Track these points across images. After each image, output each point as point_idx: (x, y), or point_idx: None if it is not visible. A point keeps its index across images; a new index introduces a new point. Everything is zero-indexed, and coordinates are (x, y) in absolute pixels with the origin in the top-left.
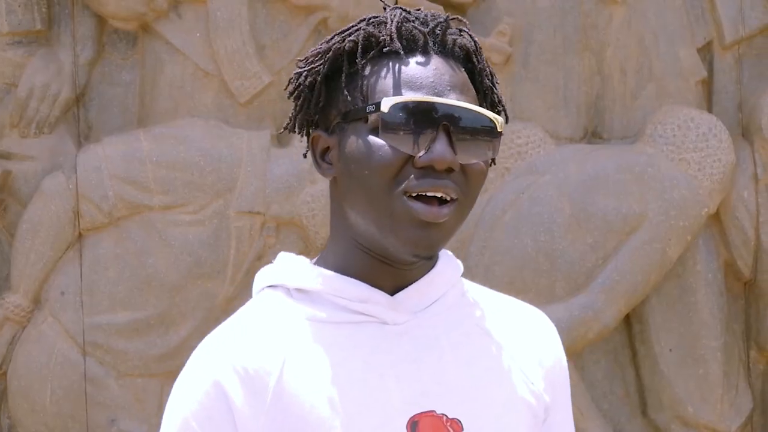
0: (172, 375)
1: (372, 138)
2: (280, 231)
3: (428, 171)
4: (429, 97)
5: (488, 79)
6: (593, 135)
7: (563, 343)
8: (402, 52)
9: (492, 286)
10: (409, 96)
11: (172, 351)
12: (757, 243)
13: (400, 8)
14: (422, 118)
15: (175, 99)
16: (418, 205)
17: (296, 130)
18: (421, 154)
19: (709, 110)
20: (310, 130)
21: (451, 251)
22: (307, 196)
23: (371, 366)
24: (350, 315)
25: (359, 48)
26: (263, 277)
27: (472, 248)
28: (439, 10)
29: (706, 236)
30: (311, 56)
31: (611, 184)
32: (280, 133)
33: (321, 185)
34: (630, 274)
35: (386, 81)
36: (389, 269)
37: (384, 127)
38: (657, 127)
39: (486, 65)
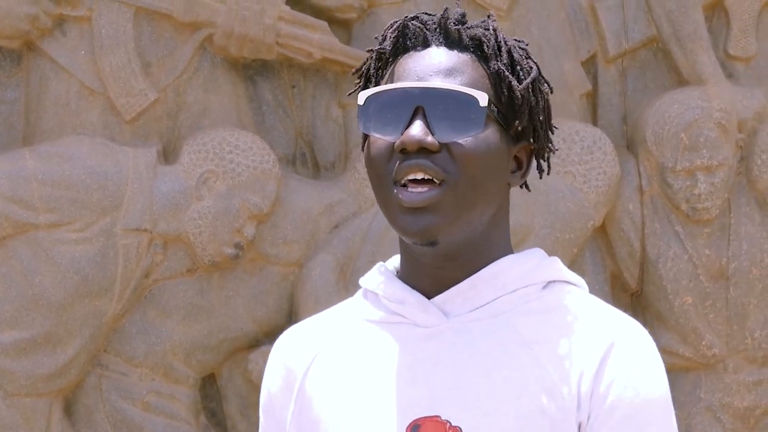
0: (61, 393)
1: (365, 135)
2: (167, 248)
3: (408, 155)
4: (398, 84)
5: (499, 63)
6: None
7: None
8: (387, 53)
9: None
10: (383, 86)
11: (60, 370)
12: (643, 254)
13: (425, 13)
14: (396, 104)
15: (60, 117)
16: (402, 192)
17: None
18: (396, 139)
19: (594, 123)
20: None
21: (341, 265)
22: (194, 212)
23: (392, 366)
24: (390, 316)
25: (373, 58)
26: (362, 277)
27: (360, 263)
28: (324, 27)
29: (592, 248)
30: (354, 73)
31: None
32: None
33: (208, 202)
34: None
35: (381, 81)
36: (426, 270)
37: (365, 120)
38: None
39: (500, 50)
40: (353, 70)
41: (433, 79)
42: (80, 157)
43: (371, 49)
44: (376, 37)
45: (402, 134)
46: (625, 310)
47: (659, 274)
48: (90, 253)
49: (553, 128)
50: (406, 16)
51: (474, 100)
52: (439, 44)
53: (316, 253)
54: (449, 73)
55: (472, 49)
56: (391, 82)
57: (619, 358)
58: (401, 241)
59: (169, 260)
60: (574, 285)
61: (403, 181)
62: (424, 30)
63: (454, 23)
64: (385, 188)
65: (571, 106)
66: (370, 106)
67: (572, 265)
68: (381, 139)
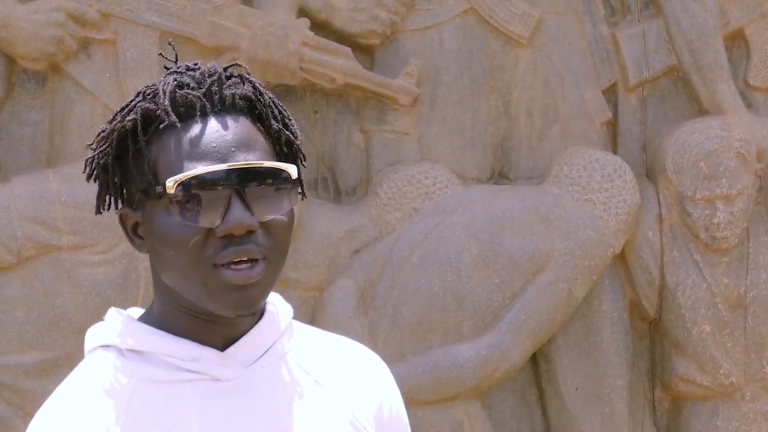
0: None
1: (169, 217)
2: None
3: (230, 239)
4: (212, 166)
5: (276, 121)
6: (500, 175)
7: (471, 382)
8: (178, 125)
9: (399, 326)
10: (191, 170)
11: None
12: (662, 282)
13: (175, 72)
14: (210, 187)
15: (84, 139)
16: (228, 273)
17: (101, 210)
18: (217, 225)
19: (614, 151)
20: (118, 207)
21: (361, 290)
22: None
23: (204, 424)
24: (183, 374)
25: (139, 126)
26: (94, 336)
27: (380, 288)
28: (348, 53)
29: (611, 276)
30: (97, 139)
31: (517, 224)
32: (96, 214)
33: None
34: (536, 314)
35: (170, 157)
36: (216, 326)
37: (175, 206)
38: (563, 167)
39: (272, 108)
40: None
41: (235, 155)
42: None
43: (130, 118)
44: (130, 102)
45: (223, 219)
46: (643, 338)
47: (678, 302)
48: (112, 276)
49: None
50: (170, 83)
51: (287, 174)
52: (216, 111)
53: (337, 277)
54: (246, 145)
55: (245, 111)
56: (183, 159)
57: (388, 387)
58: (174, 299)
59: None
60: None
61: (226, 263)
62: (200, 99)
63: (224, 87)
64: (195, 270)
65: (592, 134)
66: (178, 190)
67: (591, 293)
68: (191, 225)
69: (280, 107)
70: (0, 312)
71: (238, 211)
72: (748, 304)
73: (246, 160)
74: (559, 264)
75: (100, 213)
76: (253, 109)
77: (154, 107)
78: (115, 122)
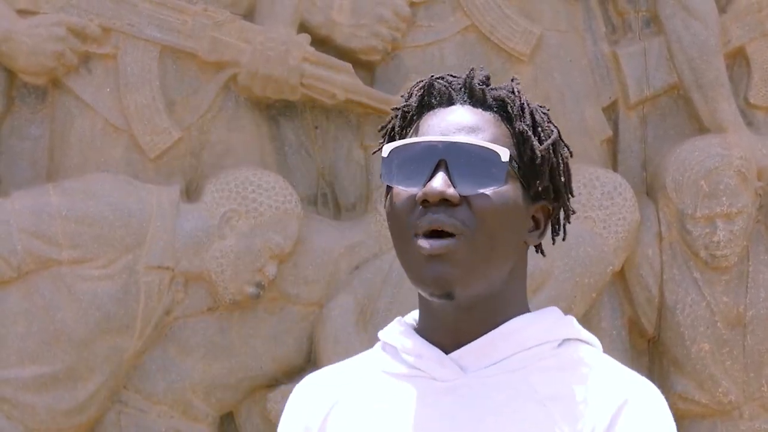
0: (81, 429)
1: (390, 189)
2: (188, 286)
3: (428, 207)
4: (422, 137)
5: (523, 123)
6: None
7: None
8: (414, 109)
9: None
10: (403, 140)
11: (80, 405)
12: (661, 300)
13: (450, 75)
14: (420, 157)
15: (84, 153)
16: (420, 241)
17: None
18: (418, 192)
19: (615, 169)
20: None
21: (361, 306)
22: (216, 251)
23: (409, 419)
24: (408, 369)
25: (399, 116)
26: (381, 331)
27: (380, 304)
28: (348, 69)
29: (610, 293)
30: (379, 130)
31: None
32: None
33: (230, 241)
34: None
35: (406, 136)
36: (443, 324)
37: (388, 172)
38: None
39: (524, 111)
40: (378, 127)
41: (456, 134)
42: (104, 194)
43: (397, 108)
44: (402, 96)
45: (424, 186)
46: (642, 356)
47: (677, 320)
48: (112, 290)
49: (573, 192)
50: (432, 75)
51: (496, 156)
52: (464, 103)
53: (337, 293)
54: (472, 129)
55: (495, 109)
56: (411, 135)
57: (631, 416)
58: (420, 296)
59: (190, 298)
60: (588, 344)
61: (421, 233)
62: (450, 89)
63: (479, 83)
64: (405, 239)
65: (592, 152)
66: (394, 158)
67: (590, 310)
68: (404, 191)
69: (539, 117)
70: (0, 326)
71: (436, 179)
72: (747, 322)
73: (464, 140)
74: (558, 281)
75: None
76: (503, 110)
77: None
78: (389, 117)
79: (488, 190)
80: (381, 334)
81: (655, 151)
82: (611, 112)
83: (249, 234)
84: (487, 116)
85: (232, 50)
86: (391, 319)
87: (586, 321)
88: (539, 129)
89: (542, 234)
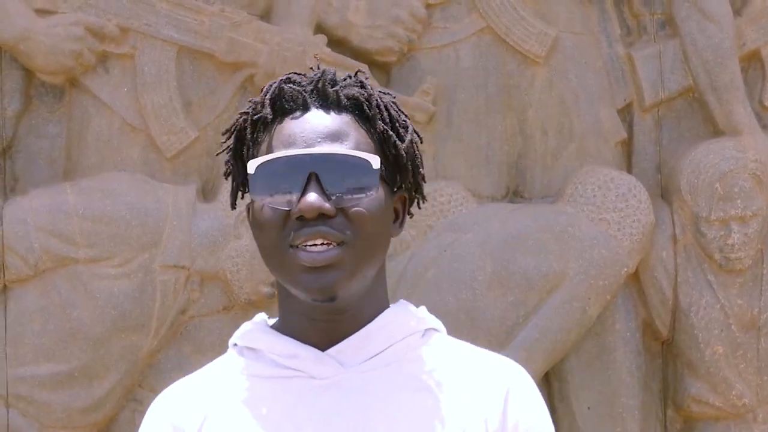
0: (96, 427)
1: (254, 202)
2: (204, 285)
3: (304, 221)
4: (290, 150)
5: (385, 123)
6: (515, 194)
7: None
8: (270, 117)
9: None
10: (272, 155)
11: (96, 403)
12: (675, 303)
13: (295, 74)
14: (288, 172)
15: (101, 153)
16: (301, 254)
17: (234, 206)
18: (293, 207)
19: (629, 171)
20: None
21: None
22: (232, 251)
23: (291, 419)
24: (281, 370)
25: (249, 121)
26: (234, 335)
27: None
28: (365, 69)
29: (624, 295)
30: (224, 134)
31: (532, 242)
32: (231, 209)
33: (246, 240)
34: (550, 333)
35: (263, 146)
36: (318, 324)
37: (256, 188)
38: (577, 186)
39: (382, 110)
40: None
41: (321, 144)
42: (121, 193)
43: (245, 112)
44: (250, 100)
45: (298, 202)
46: (656, 358)
47: (691, 322)
48: (128, 289)
49: (425, 177)
50: (281, 79)
51: (367, 164)
52: (318, 107)
53: None
54: (336, 136)
55: (350, 109)
56: (273, 147)
57: (519, 401)
58: (284, 299)
59: (205, 297)
60: (440, 331)
61: (300, 245)
62: (302, 93)
63: (330, 84)
64: (280, 252)
65: (606, 154)
66: (259, 173)
67: (605, 312)
68: (272, 207)
69: (394, 111)
70: (17, 324)
71: (310, 195)
72: (761, 325)
73: (331, 150)
74: (573, 283)
75: (233, 209)
76: (358, 110)
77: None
78: (235, 119)
79: (362, 200)
80: (236, 338)
81: (669, 154)
82: (626, 114)
83: None
84: (346, 119)
85: (249, 51)
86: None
87: (600, 322)
88: (397, 124)
89: (402, 223)
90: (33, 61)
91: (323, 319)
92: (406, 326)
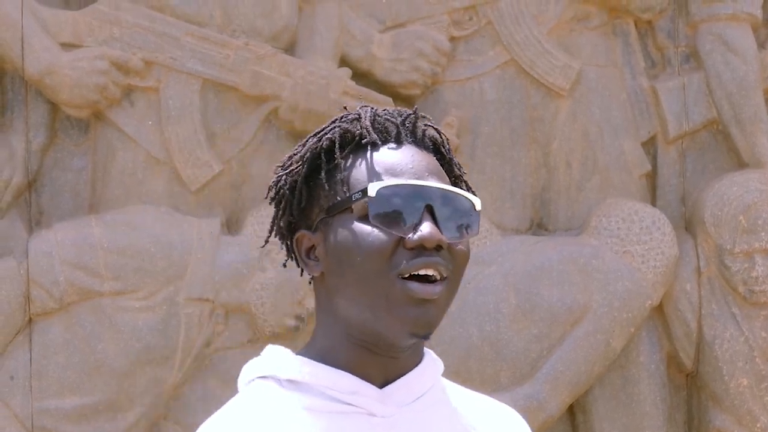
0: None
1: (360, 225)
2: (229, 318)
3: (419, 251)
4: (412, 180)
5: (457, 168)
6: (539, 226)
7: None
8: (379, 143)
9: None
10: (393, 180)
11: None
12: (699, 335)
13: (369, 106)
14: (408, 200)
15: (126, 186)
16: (413, 285)
17: (277, 235)
18: (410, 234)
19: (653, 203)
20: (292, 233)
21: None
22: (257, 284)
23: None
24: (340, 405)
25: (337, 144)
26: (252, 368)
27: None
28: (389, 102)
29: (649, 328)
30: (288, 160)
31: (556, 274)
32: (263, 246)
33: (270, 273)
34: (574, 365)
35: (368, 170)
36: (379, 360)
37: (373, 212)
38: (601, 219)
39: (453, 155)
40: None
41: (429, 178)
42: (146, 226)
43: (327, 136)
44: (338, 124)
45: (414, 231)
46: (680, 390)
47: (715, 355)
48: (153, 321)
49: None
50: (369, 109)
51: (472, 205)
52: (409, 142)
53: None
54: (439, 175)
55: (432, 150)
56: (378, 174)
57: None
58: (337, 330)
59: (230, 330)
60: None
61: (407, 274)
62: (397, 126)
63: (414, 122)
64: (382, 280)
65: (630, 186)
66: (378, 198)
67: (629, 344)
68: (386, 231)
69: (447, 147)
70: (41, 357)
71: (431, 225)
72: None
73: (446, 187)
74: (597, 315)
75: (267, 241)
76: (437, 152)
77: (353, 128)
78: (308, 144)
79: (467, 238)
80: (272, 371)
81: (693, 186)
82: (650, 146)
83: (289, 267)
84: (433, 158)
85: (273, 84)
86: (431, 346)
87: (624, 355)
88: (456, 165)
89: None
90: (58, 94)
91: (388, 355)
92: (438, 367)
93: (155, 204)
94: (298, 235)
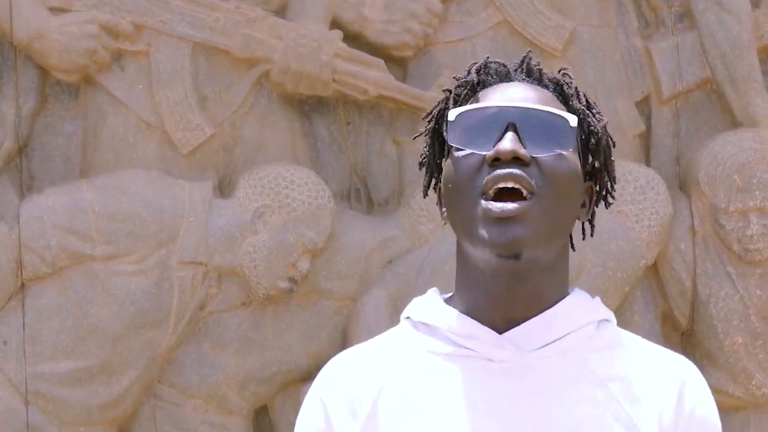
0: (116, 424)
1: (453, 155)
2: (222, 281)
3: (498, 165)
4: (490, 102)
5: (580, 103)
6: None
7: None
8: (475, 81)
9: None
10: (473, 105)
11: (115, 400)
12: (694, 294)
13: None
14: (488, 121)
15: (117, 150)
16: (489, 203)
17: (427, 193)
18: (488, 151)
19: (647, 163)
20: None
21: (393, 301)
22: (249, 246)
23: (468, 400)
24: (459, 350)
25: (452, 94)
26: (407, 309)
27: (412, 299)
28: (380, 64)
29: (643, 287)
30: (424, 118)
31: None
32: (424, 196)
33: (263, 236)
34: None
35: (466, 106)
36: (495, 301)
37: (455, 136)
38: None
39: (578, 92)
40: (413, 120)
41: (521, 102)
42: (137, 190)
43: (447, 89)
44: (455, 77)
45: (494, 147)
46: (676, 349)
47: (710, 313)
48: (145, 285)
49: (615, 179)
50: (487, 57)
51: (565, 122)
52: (521, 80)
53: (370, 288)
54: (537, 101)
55: (551, 89)
56: (474, 102)
57: (694, 395)
58: (464, 273)
59: (223, 293)
60: (612, 323)
61: (491, 193)
62: (506, 67)
63: (535, 64)
64: (469, 201)
65: (624, 147)
66: (460, 122)
67: (623, 304)
68: (471, 152)
69: (590, 99)
70: (35, 321)
71: (508, 139)
72: None
73: (532, 105)
74: (591, 275)
75: (426, 196)
76: (558, 92)
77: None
78: (437, 101)
79: (557, 153)
80: (412, 312)
81: (687, 146)
82: (644, 106)
83: (282, 229)
84: (546, 93)
85: (265, 47)
86: None
87: (619, 315)
88: (593, 110)
89: (589, 212)
90: (48, 59)
91: (503, 296)
92: (585, 315)
93: (146, 168)
94: (438, 186)
